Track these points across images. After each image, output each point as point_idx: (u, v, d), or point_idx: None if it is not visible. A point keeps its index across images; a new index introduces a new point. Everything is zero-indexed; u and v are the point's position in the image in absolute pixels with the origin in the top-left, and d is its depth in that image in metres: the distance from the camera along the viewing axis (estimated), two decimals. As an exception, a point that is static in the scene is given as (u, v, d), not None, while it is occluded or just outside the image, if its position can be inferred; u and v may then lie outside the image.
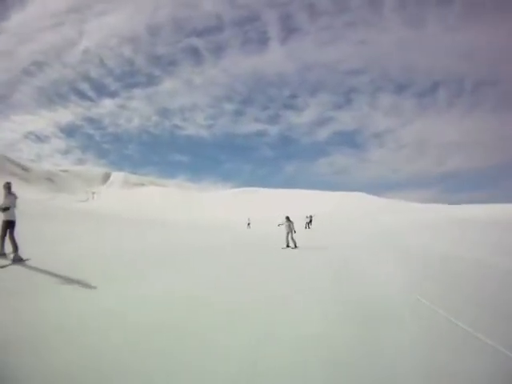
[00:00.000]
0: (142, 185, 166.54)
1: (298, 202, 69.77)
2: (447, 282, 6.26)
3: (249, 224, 31.72)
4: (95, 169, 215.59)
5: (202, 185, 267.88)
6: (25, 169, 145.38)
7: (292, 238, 12.19)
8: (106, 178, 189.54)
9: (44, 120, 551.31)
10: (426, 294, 4.89)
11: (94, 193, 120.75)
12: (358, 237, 17.45)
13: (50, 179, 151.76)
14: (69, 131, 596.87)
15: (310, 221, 28.04)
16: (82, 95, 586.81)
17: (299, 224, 22.84)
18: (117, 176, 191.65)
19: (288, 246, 12.09)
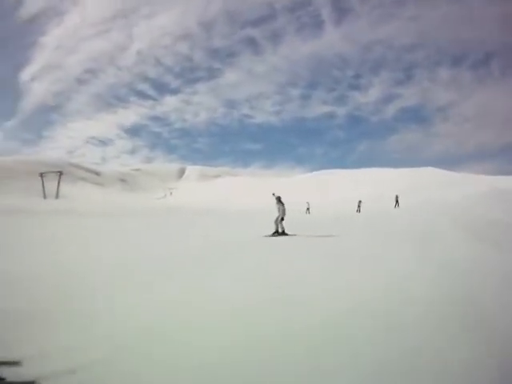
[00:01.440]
0: (218, 176, 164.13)
1: (371, 181, 70.92)
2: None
3: (308, 209, 29.71)
4: (169, 165, 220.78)
5: (276, 171, 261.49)
6: (96, 173, 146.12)
7: (280, 222, 10.84)
8: (181, 172, 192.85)
9: (104, 124, 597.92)
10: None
11: (171, 189, 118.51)
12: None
13: (122, 180, 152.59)
14: (134, 131, 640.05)
15: (397, 201, 30.56)
16: (142, 95, 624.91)
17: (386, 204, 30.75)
18: (192, 170, 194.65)
19: (277, 232, 10.74)
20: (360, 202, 29.90)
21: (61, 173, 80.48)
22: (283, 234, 10.57)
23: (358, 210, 28.41)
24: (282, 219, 10.76)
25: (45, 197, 68.86)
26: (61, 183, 77.46)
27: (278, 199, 11.11)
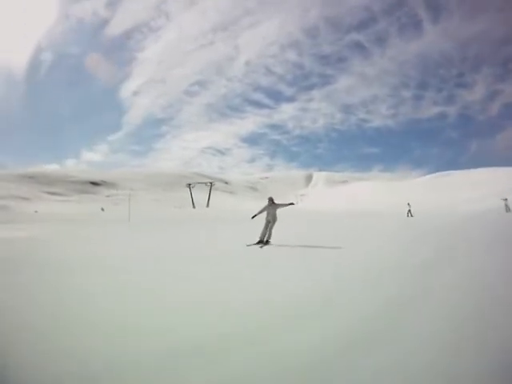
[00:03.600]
0: (345, 181, 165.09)
1: (485, 181, 68.47)
2: None
3: (409, 211, 26.76)
4: (296, 172, 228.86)
5: (396, 174, 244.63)
6: (225, 182, 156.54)
7: (269, 229, 8.93)
8: (308, 179, 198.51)
9: (219, 133, 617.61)
10: None
11: (302, 195, 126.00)
12: None
13: (253, 188, 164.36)
14: (252, 140, 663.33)
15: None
16: (257, 104, 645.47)
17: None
18: (318, 176, 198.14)
19: (262, 241, 8.70)
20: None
21: (212, 183, 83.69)
22: (267, 243, 8.73)
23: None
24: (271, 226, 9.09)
25: (194, 206, 71.32)
26: (193, 192, 79.39)
27: (272, 201, 9.31)
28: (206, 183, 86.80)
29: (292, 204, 9.68)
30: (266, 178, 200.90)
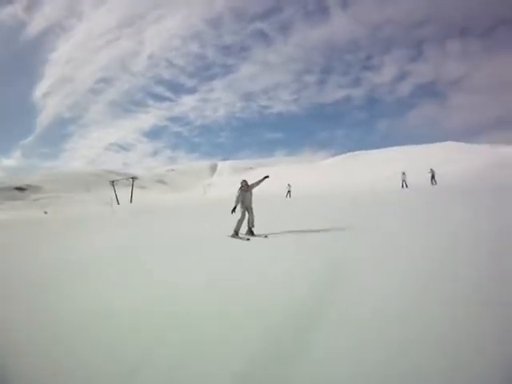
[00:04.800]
0: (251, 168, 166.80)
1: (396, 159, 69.65)
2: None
3: (289, 192, 28.29)
4: (202, 162, 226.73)
5: (300, 157, 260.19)
6: (133, 177, 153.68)
7: (251, 215, 7.94)
8: (213, 169, 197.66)
9: (123, 130, 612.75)
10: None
11: (208, 185, 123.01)
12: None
13: (161, 181, 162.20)
14: (154, 134, 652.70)
15: (433, 176, 26.16)
16: (159, 98, 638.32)
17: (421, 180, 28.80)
18: (223, 165, 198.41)
19: (237, 233, 7.68)
20: (404, 174, 27.10)
21: (134, 179, 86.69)
22: (237, 235, 7.73)
23: (404, 185, 26.11)
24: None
25: (118, 202, 72.58)
26: (110, 189, 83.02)
27: (247, 185, 8.04)
28: (127, 179, 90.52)
29: (267, 177, 8.43)
30: (172, 170, 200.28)
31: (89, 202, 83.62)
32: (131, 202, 72.55)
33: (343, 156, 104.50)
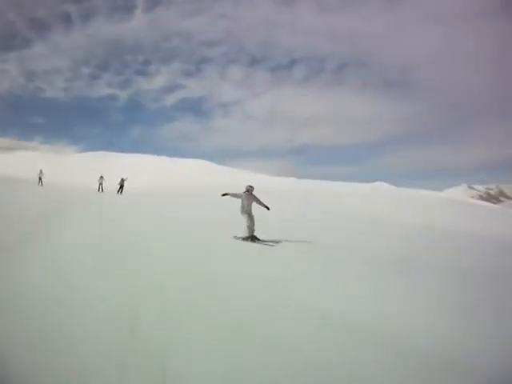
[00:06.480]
0: (12, 149, 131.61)
1: (146, 167, 71.29)
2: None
3: (40, 179, 27.05)
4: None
5: (54, 147, 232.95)
6: None
7: (250, 225, 8.01)
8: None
9: None
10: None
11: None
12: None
13: None
14: None
15: (122, 185, 25.61)
16: None
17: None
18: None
19: (251, 237, 7.90)
20: (101, 178, 27.02)
21: None
22: (256, 239, 7.97)
23: (101, 189, 26.54)
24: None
25: None
26: None
27: (248, 190, 8.29)
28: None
29: (268, 209, 8.37)
30: None
31: None
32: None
33: (91, 154, 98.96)
